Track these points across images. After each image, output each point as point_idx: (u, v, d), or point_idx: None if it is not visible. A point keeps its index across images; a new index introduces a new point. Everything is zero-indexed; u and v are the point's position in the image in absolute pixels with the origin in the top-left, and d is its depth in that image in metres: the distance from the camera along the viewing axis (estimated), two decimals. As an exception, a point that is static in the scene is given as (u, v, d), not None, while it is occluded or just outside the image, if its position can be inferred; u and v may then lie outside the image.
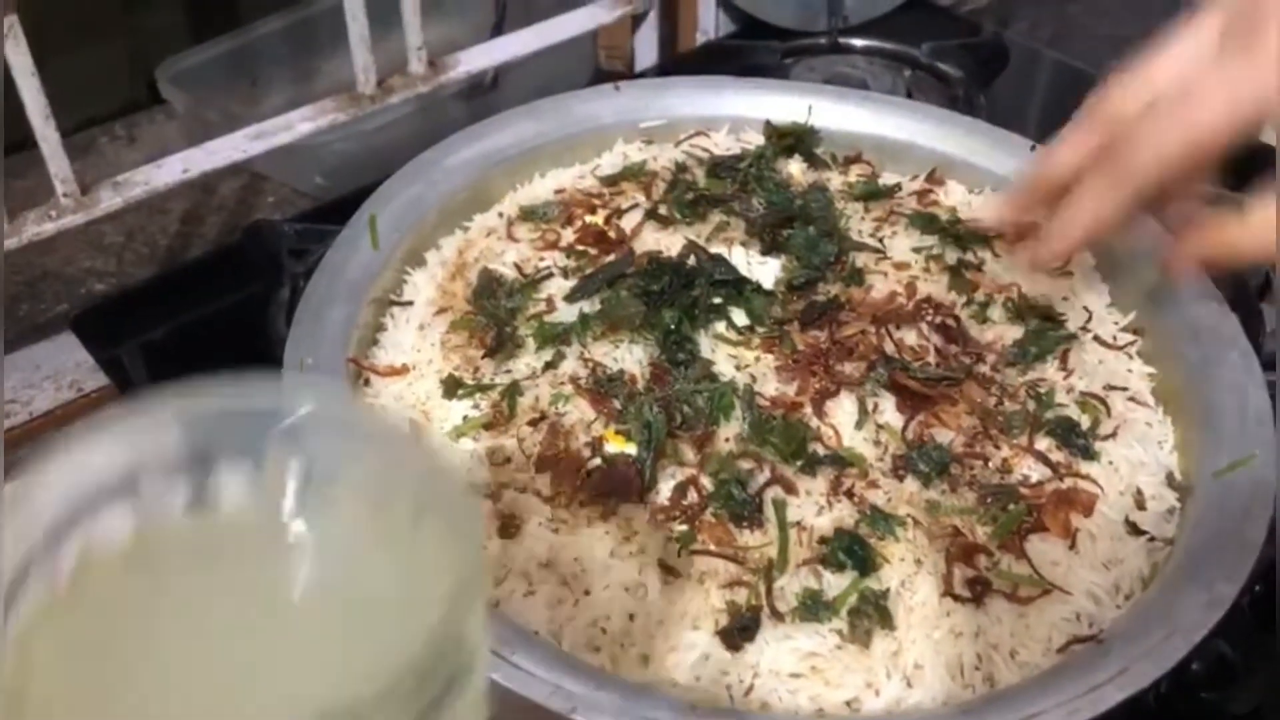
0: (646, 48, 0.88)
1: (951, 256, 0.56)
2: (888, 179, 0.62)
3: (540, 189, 0.59)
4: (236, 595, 0.24)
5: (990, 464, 0.47)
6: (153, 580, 0.24)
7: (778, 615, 0.41)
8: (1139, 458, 0.49)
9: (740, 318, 0.51)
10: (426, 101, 0.74)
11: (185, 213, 0.79)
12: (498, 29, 0.82)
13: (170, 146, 0.83)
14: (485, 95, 0.83)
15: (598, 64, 0.90)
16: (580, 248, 0.54)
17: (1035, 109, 0.83)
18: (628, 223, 0.55)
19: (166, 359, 0.64)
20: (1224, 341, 0.51)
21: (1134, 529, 0.46)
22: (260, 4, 0.90)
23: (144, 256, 0.77)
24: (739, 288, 0.52)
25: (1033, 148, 0.60)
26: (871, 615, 0.41)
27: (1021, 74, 0.84)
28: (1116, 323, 0.54)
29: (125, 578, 0.24)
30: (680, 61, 0.85)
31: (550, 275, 0.53)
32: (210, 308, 0.65)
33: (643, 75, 0.85)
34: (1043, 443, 0.48)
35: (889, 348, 0.50)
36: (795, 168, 0.62)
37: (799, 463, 0.46)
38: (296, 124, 0.68)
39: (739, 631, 0.41)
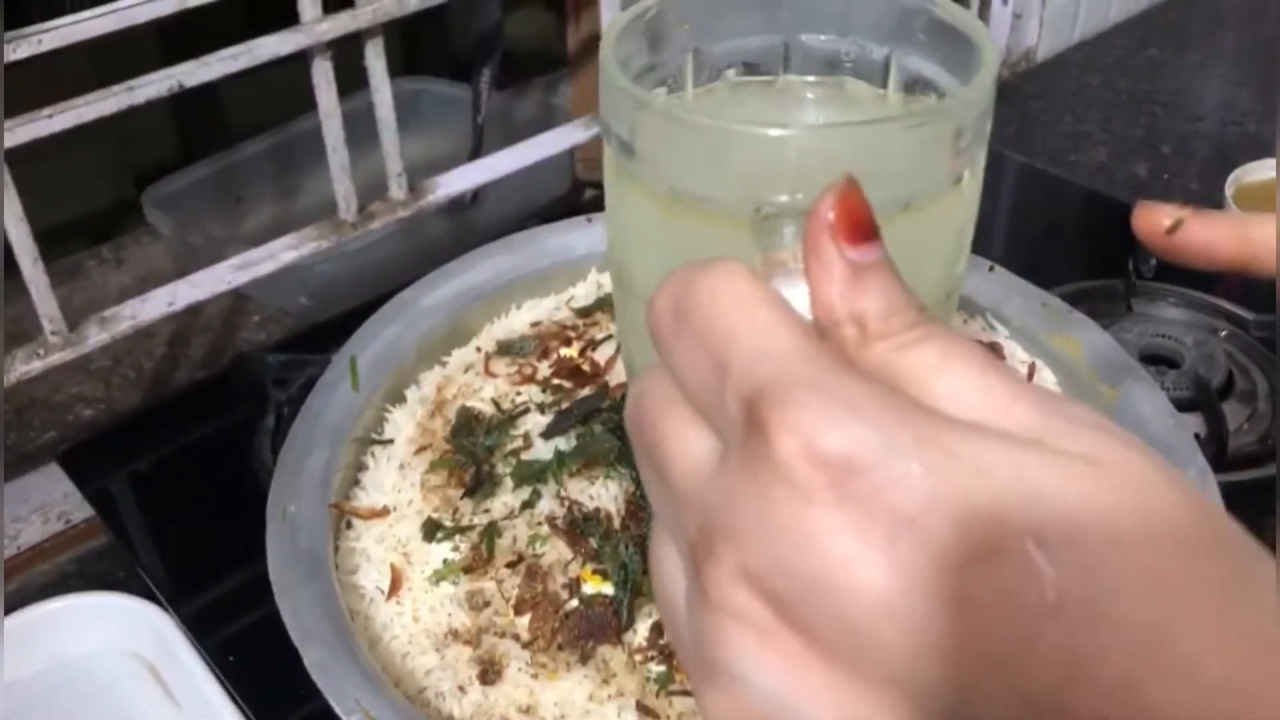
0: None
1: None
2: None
3: (516, 322, 0.60)
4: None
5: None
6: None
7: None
8: (1104, 579, 0.50)
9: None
10: (408, 223, 0.76)
11: (172, 335, 0.81)
12: (476, 150, 0.85)
13: (157, 269, 0.86)
14: (466, 211, 0.85)
15: (575, 174, 0.92)
16: (556, 381, 0.56)
17: (1003, 215, 0.86)
18: (602, 354, 0.57)
19: (154, 489, 0.65)
20: (1181, 458, 0.53)
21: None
22: (245, 125, 0.93)
23: (131, 381, 0.78)
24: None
25: (991, 268, 0.62)
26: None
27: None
28: (1079, 439, 0.56)
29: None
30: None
31: (527, 410, 0.54)
32: (196, 437, 0.67)
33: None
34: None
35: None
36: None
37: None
38: (280, 253, 0.70)
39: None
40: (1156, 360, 0.70)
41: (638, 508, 0.49)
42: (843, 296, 0.21)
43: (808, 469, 0.19)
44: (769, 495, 0.19)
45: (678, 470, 0.22)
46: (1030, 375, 0.58)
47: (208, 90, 0.64)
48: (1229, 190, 0.83)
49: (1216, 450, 0.64)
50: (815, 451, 0.19)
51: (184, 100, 0.64)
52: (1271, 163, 0.85)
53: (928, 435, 0.19)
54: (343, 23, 0.67)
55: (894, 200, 0.35)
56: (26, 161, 0.59)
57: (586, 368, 0.56)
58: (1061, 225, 0.87)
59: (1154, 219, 0.35)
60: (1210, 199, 0.93)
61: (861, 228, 0.22)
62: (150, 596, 0.57)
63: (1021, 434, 0.19)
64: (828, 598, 0.19)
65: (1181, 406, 0.66)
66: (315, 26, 0.66)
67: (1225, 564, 0.18)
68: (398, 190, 0.74)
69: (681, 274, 0.22)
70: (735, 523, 0.20)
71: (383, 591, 0.48)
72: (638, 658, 0.45)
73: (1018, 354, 0.59)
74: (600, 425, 0.52)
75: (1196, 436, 0.65)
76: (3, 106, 0.56)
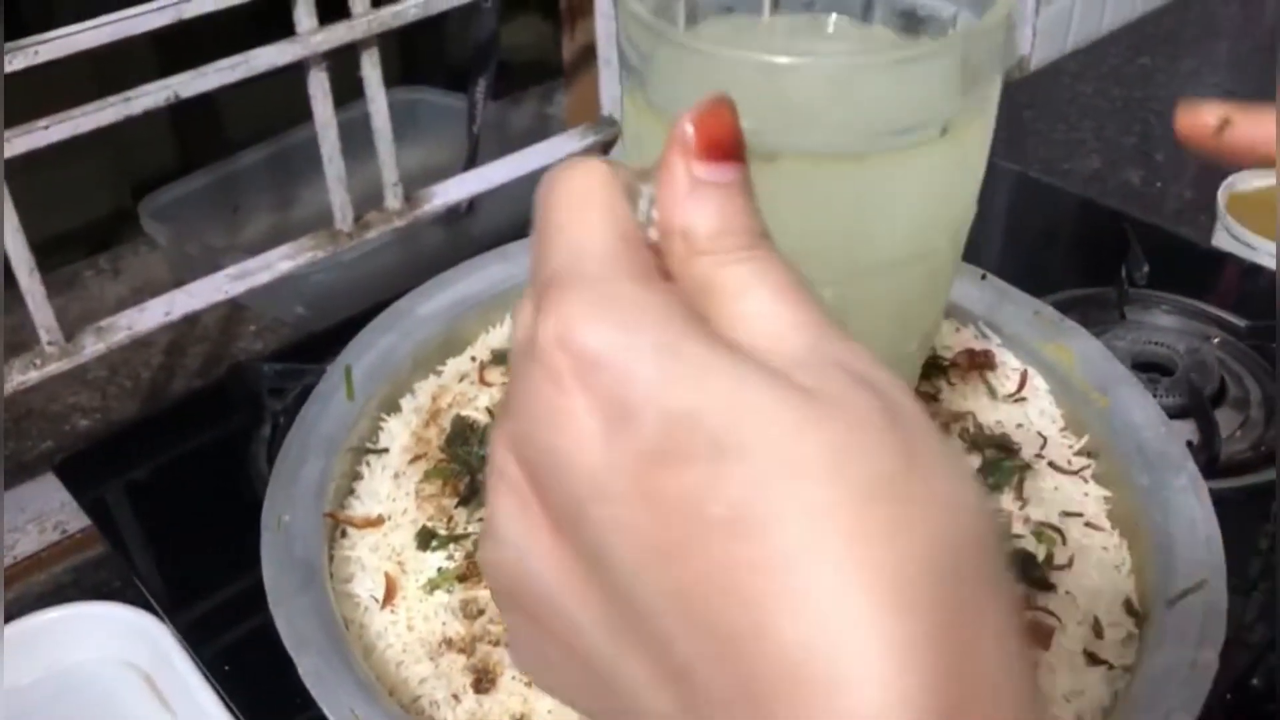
0: (617, 167, 0.91)
1: (909, 385, 0.58)
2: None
3: (511, 331, 0.61)
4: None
5: (951, 598, 0.49)
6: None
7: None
8: (1095, 585, 0.50)
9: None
10: (404, 232, 0.76)
11: (169, 344, 0.81)
12: (471, 160, 0.85)
13: (154, 279, 0.86)
14: (462, 220, 0.86)
15: (570, 183, 0.92)
16: (550, 390, 0.56)
17: (996, 223, 0.86)
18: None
19: (150, 499, 0.65)
20: (1172, 466, 0.53)
21: (1093, 659, 0.48)
22: (244, 134, 0.93)
23: (128, 390, 0.78)
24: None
25: (983, 276, 0.63)
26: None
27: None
28: (1071, 446, 0.56)
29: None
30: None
31: (521, 419, 0.54)
32: (192, 446, 0.67)
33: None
34: (1001, 575, 0.50)
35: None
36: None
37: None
38: (276, 263, 0.70)
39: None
40: (1149, 367, 0.70)
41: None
42: (678, 208, 0.22)
43: (560, 355, 0.21)
44: (530, 372, 0.21)
45: (513, 346, 0.24)
46: (1022, 383, 0.58)
47: (206, 99, 0.64)
48: (1222, 198, 0.83)
49: (1209, 457, 0.65)
50: (568, 341, 0.21)
51: (182, 109, 0.64)
52: (1263, 172, 0.85)
53: (667, 343, 0.20)
54: (338, 34, 0.67)
55: (917, 126, 0.35)
56: (25, 171, 0.59)
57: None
58: (1055, 233, 0.87)
59: (1199, 119, 0.35)
60: (1203, 207, 0.93)
61: (717, 146, 0.23)
62: (146, 606, 0.57)
63: (777, 361, 0.21)
64: (559, 472, 0.21)
65: (1174, 414, 0.66)
66: (311, 37, 0.66)
67: (889, 515, 0.19)
68: (393, 200, 0.74)
69: (556, 168, 0.24)
70: (511, 394, 0.22)
71: (377, 600, 0.48)
72: (631, 666, 0.45)
73: (1010, 362, 0.59)
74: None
75: (1190, 444, 0.66)
76: (2, 119, 0.56)
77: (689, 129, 0.22)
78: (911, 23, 0.43)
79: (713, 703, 0.20)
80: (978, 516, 0.20)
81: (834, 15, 0.43)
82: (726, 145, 0.23)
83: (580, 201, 0.23)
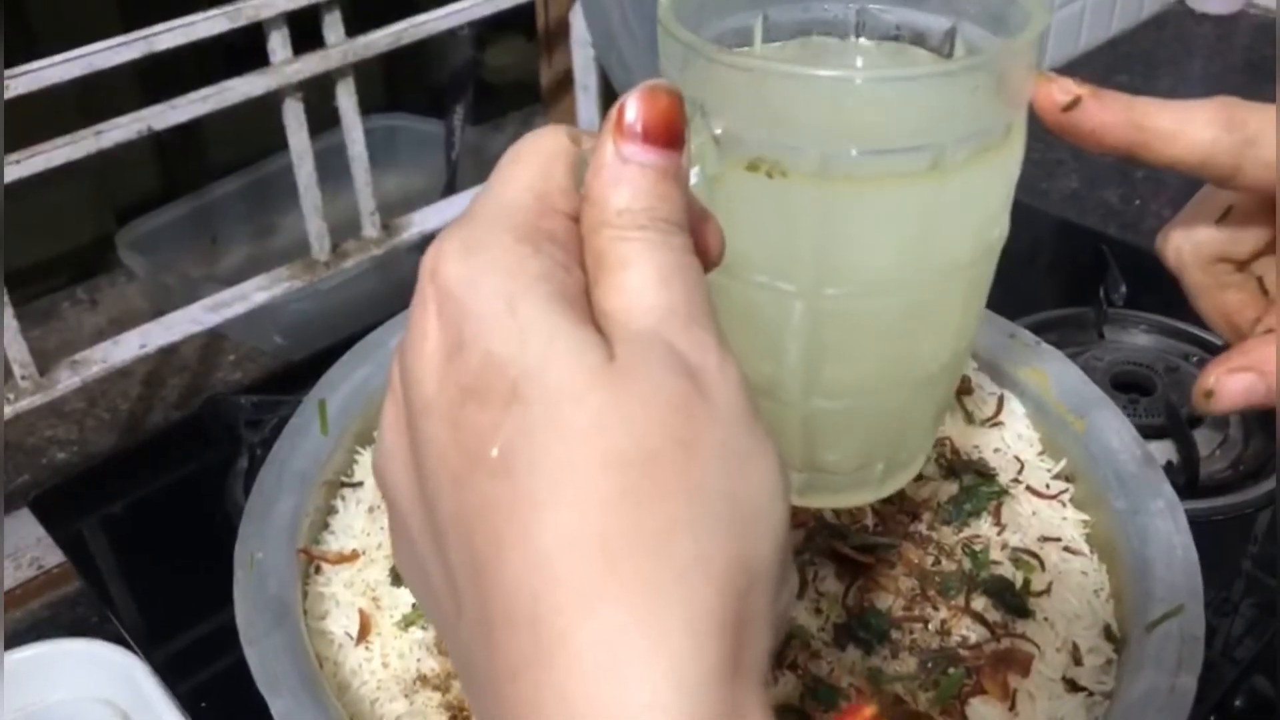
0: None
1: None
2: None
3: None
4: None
5: (930, 626, 0.49)
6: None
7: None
8: (1074, 611, 0.50)
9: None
10: (381, 260, 0.76)
11: (147, 375, 0.81)
12: (450, 186, 0.85)
13: (132, 309, 0.86)
14: (440, 247, 0.86)
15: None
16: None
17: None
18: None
19: (126, 534, 0.65)
20: (1149, 490, 0.53)
21: (1072, 686, 0.47)
22: (228, 160, 0.93)
23: (105, 423, 0.78)
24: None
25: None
26: (816, 794, 0.42)
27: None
28: (1048, 470, 0.56)
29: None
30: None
31: (497, 450, 0.54)
32: (169, 481, 0.66)
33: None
34: (979, 602, 0.49)
35: (828, 513, 0.52)
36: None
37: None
38: (252, 294, 0.70)
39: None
40: (1128, 387, 0.70)
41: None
42: (597, 180, 0.24)
43: (428, 281, 0.23)
44: (416, 293, 0.24)
45: None
46: (999, 408, 0.58)
47: (189, 126, 0.64)
48: (1198, 216, 0.83)
49: (1188, 477, 0.65)
50: (436, 270, 0.23)
51: (165, 136, 0.64)
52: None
53: (509, 292, 0.23)
54: (312, 63, 0.67)
55: (956, 143, 0.35)
56: (5, 199, 0.59)
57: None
58: (1033, 253, 0.87)
59: (1052, 93, 0.35)
60: (1181, 224, 0.94)
61: (649, 130, 0.24)
62: (123, 642, 0.57)
63: (616, 332, 0.23)
64: (410, 385, 0.23)
65: (1153, 433, 0.66)
66: (285, 68, 0.66)
67: (628, 485, 0.21)
68: (371, 228, 0.74)
69: (528, 134, 0.26)
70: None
71: (352, 637, 0.47)
72: (608, 700, 0.45)
73: (986, 386, 0.59)
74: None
75: (1169, 463, 0.66)
76: (2, 141, 0.56)
77: (625, 107, 0.24)
78: (917, 39, 0.42)
79: (467, 619, 0.22)
80: (748, 515, 0.22)
81: (911, 45, 0.43)
82: (657, 130, 0.24)
83: (523, 157, 0.25)
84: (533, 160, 0.25)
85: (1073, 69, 1.18)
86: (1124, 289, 0.77)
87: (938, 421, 0.45)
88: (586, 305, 0.23)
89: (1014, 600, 0.49)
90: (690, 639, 0.20)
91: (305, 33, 0.67)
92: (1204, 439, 0.68)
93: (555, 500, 0.21)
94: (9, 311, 0.62)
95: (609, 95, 0.83)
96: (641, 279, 0.23)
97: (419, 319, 0.23)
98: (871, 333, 0.39)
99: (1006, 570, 0.51)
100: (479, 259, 0.23)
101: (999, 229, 0.40)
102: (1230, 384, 0.36)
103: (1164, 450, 0.67)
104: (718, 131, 0.28)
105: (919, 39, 0.42)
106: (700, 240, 0.26)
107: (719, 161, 0.33)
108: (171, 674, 0.55)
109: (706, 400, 0.22)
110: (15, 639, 0.61)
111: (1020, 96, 0.36)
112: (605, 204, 0.24)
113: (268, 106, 0.68)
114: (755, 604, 0.21)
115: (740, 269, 0.36)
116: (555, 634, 0.20)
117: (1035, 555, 0.51)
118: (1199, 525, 0.51)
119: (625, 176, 0.24)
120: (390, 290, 0.80)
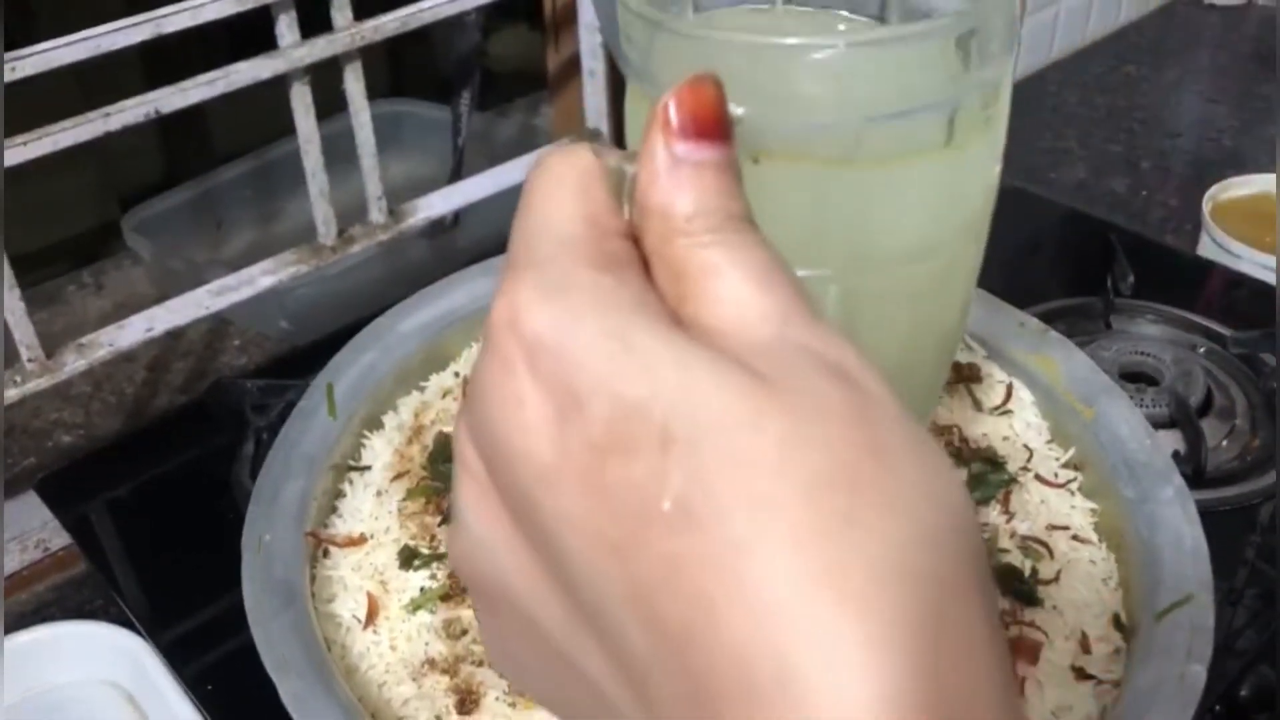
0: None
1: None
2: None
3: (495, 346, 0.60)
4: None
5: (938, 613, 0.49)
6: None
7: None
8: (1083, 599, 0.50)
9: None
10: (388, 246, 0.76)
11: (153, 359, 0.81)
12: (456, 172, 0.85)
13: (137, 293, 0.86)
14: (447, 233, 0.85)
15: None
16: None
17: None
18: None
19: (133, 517, 0.64)
20: (1159, 478, 0.53)
21: (1081, 674, 0.47)
22: (232, 145, 0.93)
23: (111, 406, 0.78)
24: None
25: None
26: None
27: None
28: (1057, 458, 0.56)
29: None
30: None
31: (505, 435, 0.54)
32: (175, 464, 0.66)
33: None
34: (988, 590, 0.49)
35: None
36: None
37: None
38: (258, 278, 0.70)
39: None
40: (1135, 378, 0.70)
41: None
42: (655, 188, 0.22)
43: (509, 339, 0.20)
44: (484, 358, 0.21)
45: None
46: (1008, 396, 0.58)
47: (194, 111, 0.64)
48: (1206, 206, 0.83)
49: (1195, 467, 0.65)
50: (517, 324, 0.20)
51: (170, 121, 0.64)
52: (1248, 178, 0.86)
53: (615, 328, 0.20)
54: (320, 48, 0.67)
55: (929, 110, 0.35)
56: (9, 184, 0.58)
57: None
58: (1041, 243, 0.87)
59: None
60: (1189, 215, 0.94)
61: (700, 124, 0.22)
62: (129, 625, 0.57)
63: (742, 347, 0.20)
64: (511, 461, 0.20)
65: (1160, 424, 0.66)
66: (293, 52, 0.66)
67: (843, 508, 0.18)
68: (377, 214, 0.74)
69: (544, 151, 0.24)
70: (472, 379, 0.22)
71: (359, 620, 0.47)
72: (616, 685, 0.45)
73: (995, 374, 0.59)
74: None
75: (1176, 453, 0.66)
76: (2, 127, 0.56)
77: (670, 106, 0.22)
78: (851, 6, 0.42)
79: (665, 700, 0.19)
80: (955, 513, 0.19)
81: (844, 12, 0.43)
82: (708, 123, 0.22)
83: (554, 184, 0.22)
84: (568, 184, 0.22)
85: (1081, 59, 1.18)
86: (1131, 279, 0.77)
87: (945, 374, 0.45)
88: (684, 324, 0.21)
89: (1023, 588, 0.49)
90: (964, 676, 0.18)
91: (311, 17, 0.67)
92: (1211, 429, 0.68)
93: (764, 541, 0.18)
94: (16, 294, 0.62)
95: (615, 81, 0.83)
96: (738, 285, 0.21)
97: (501, 382, 0.20)
98: (905, 299, 0.39)
99: (1015, 558, 0.51)
100: (567, 301, 0.20)
101: (998, 166, 0.41)
102: None
103: (1171, 440, 0.66)
104: (739, 112, 0.28)
105: (854, 6, 0.42)
106: None
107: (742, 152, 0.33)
108: (177, 657, 0.55)
109: (870, 399, 0.20)
110: (21, 621, 0.61)
111: (1009, 46, 0.37)
112: (671, 212, 0.21)
113: (273, 91, 0.67)
114: (993, 613, 0.19)
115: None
116: (811, 692, 0.17)
117: (1044, 543, 0.51)
118: (1206, 515, 0.51)
119: (685, 179, 0.22)
120: (396, 276, 0.80)
